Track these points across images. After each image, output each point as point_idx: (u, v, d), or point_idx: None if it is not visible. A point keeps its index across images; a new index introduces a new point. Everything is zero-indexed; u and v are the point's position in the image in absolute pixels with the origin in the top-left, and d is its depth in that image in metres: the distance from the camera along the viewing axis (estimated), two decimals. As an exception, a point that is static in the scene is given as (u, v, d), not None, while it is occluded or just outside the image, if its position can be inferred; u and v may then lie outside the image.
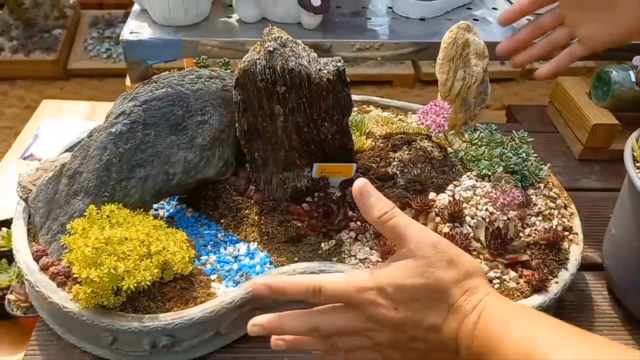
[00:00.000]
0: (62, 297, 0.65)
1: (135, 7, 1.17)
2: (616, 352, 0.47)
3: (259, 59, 0.71)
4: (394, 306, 0.54)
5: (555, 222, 0.78)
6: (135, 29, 1.10)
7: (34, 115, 1.90)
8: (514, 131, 0.87)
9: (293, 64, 0.70)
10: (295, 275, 0.65)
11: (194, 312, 0.65)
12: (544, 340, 0.48)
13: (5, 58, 2.75)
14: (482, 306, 0.53)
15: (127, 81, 1.20)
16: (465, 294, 0.53)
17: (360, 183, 0.56)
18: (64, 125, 1.77)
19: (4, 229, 1.28)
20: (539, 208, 0.79)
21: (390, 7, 1.22)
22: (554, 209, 0.80)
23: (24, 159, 1.69)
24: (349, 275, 0.59)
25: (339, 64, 0.73)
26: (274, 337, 0.57)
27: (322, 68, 0.72)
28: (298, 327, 0.56)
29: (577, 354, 0.46)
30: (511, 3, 1.26)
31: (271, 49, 0.70)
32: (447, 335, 0.53)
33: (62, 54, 2.79)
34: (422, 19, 1.18)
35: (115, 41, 2.82)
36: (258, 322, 0.56)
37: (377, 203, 0.56)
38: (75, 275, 0.63)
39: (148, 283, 0.63)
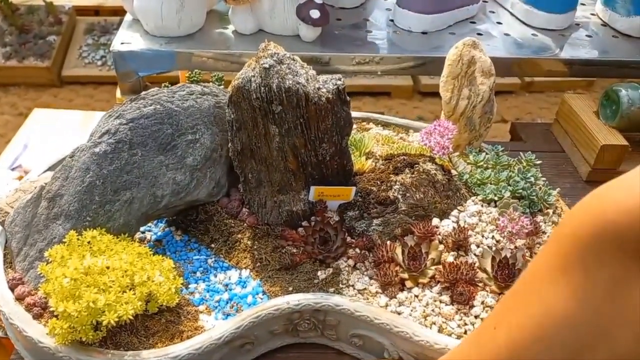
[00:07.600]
0: (37, 331, 0.60)
1: (128, 17, 1.13)
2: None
3: (253, 76, 0.66)
4: None
5: (565, 251, 0.74)
6: (126, 40, 1.06)
7: (25, 124, 1.85)
8: (521, 153, 0.83)
9: (290, 82, 0.66)
10: None
11: (180, 348, 0.60)
12: None
13: (-2, 64, 2.70)
14: None
15: (118, 93, 1.15)
16: None
17: None
18: (54, 135, 1.73)
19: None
20: (548, 236, 0.75)
21: (392, 20, 1.18)
22: (564, 237, 0.76)
23: (13, 169, 1.65)
24: None
25: (339, 82, 0.68)
26: None
27: (321, 87, 0.68)
28: None
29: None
30: (515, 17, 1.22)
31: (267, 66, 0.66)
32: None
33: (56, 60, 2.74)
34: (424, 33, 1.14)
35: (110, 48, 2.78)
36: None
37: None
38: (52, 308, 0.58)
39: (130, 317, 0.58)
